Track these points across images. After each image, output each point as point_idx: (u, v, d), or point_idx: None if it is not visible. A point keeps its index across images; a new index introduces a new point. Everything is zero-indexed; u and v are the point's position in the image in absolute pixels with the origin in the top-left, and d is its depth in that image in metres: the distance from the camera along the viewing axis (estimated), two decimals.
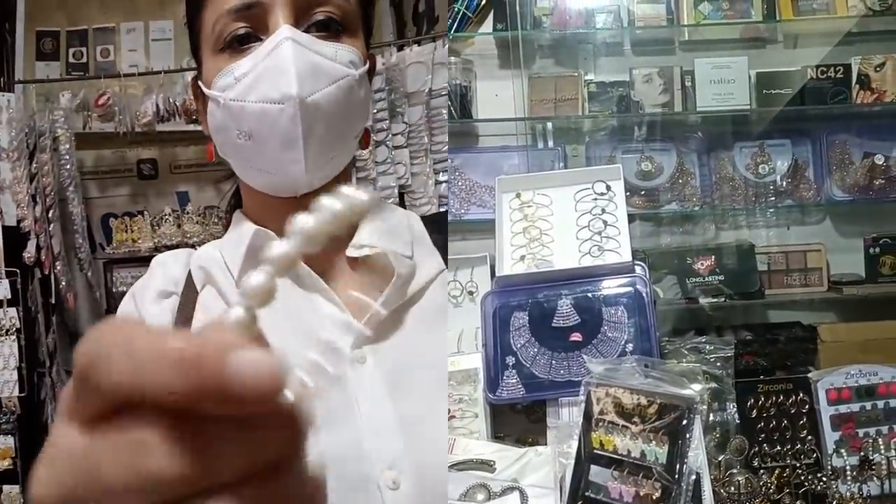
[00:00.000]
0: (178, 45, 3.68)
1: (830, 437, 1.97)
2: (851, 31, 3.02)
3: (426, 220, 1.40)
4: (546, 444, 1.87)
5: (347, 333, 1.21)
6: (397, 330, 1.24)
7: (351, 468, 1.12)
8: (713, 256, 2.94)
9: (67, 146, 3.49)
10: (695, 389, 1.57)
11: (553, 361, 1.99)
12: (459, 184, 3.04)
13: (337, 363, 1.18)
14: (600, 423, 1.61)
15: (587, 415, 1.64)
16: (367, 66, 1.27)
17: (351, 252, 1.27)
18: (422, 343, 1.24)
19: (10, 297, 3.41)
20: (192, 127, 3.46)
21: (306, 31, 1.19)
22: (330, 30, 1.22)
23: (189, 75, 3.34)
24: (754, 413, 1.99)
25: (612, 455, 1.59)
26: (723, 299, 2.92)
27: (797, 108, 3.02)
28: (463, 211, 2.99)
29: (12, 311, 3.41)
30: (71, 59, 3.78)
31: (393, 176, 3.06)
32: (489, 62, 3.09)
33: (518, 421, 2.06)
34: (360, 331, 1.20)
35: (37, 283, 3.50)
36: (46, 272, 3.45)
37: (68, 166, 3.49)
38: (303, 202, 1.23)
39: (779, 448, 1.96)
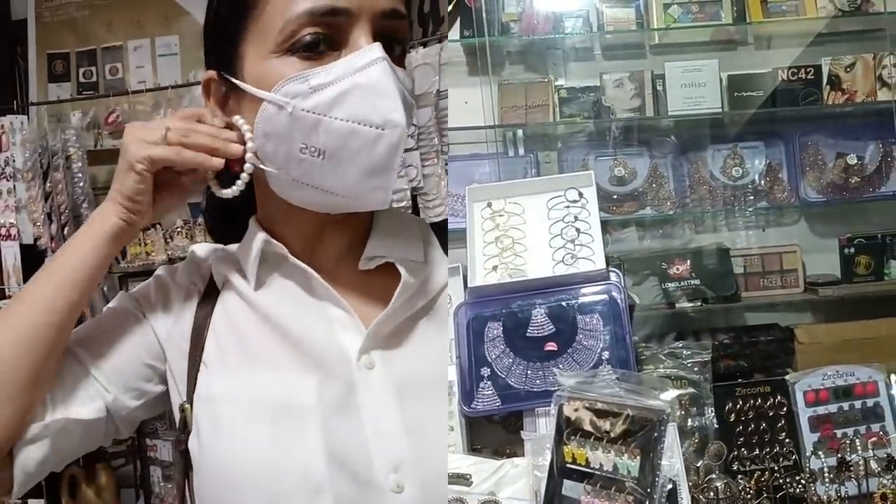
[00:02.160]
0: (184, 59, 3.69)
1: (809, 438, 1.96)
2: (821, 33, 3.03)
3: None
4: (524, 456, 1.85)
5: (356, 339, 1.20)
6: (408, 337, 1.24)
7: (356, 470, 1.13)
8: (688, 260, 2.94)
9: (80, 164, 3.50)
10: (665, 399, 1.56)
11: (529, 371, 1.97)
12: None
13: (346, 367, 1.19)
14: (572, 437, 1.59)
15: (559, 428, 1.62)
16: None
17: (363, 265, 1.26)
18: (429, 351, 1.24)
19: None
20: None
21: None
22: (394, 53, 1.17)
23: (199, 88, 3.38)
24: (732, 417, 1.98)
25: (584, 469, 1.57)
26: (699, 303, 2.92)
27: (769, 110, 3.02)
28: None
29: None
30: (81, 79, 3.77)
31: (405, 179, 3.00)
32: (458, 69, 3.06)
33: (495, 432, 2.04)
34: (369, 336, 1.20)
35: None
36: None
37: (81, 184, 3.50)
38: (334, 215, 1.21)
39: (757, 451, 1.95)
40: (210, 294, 1.32)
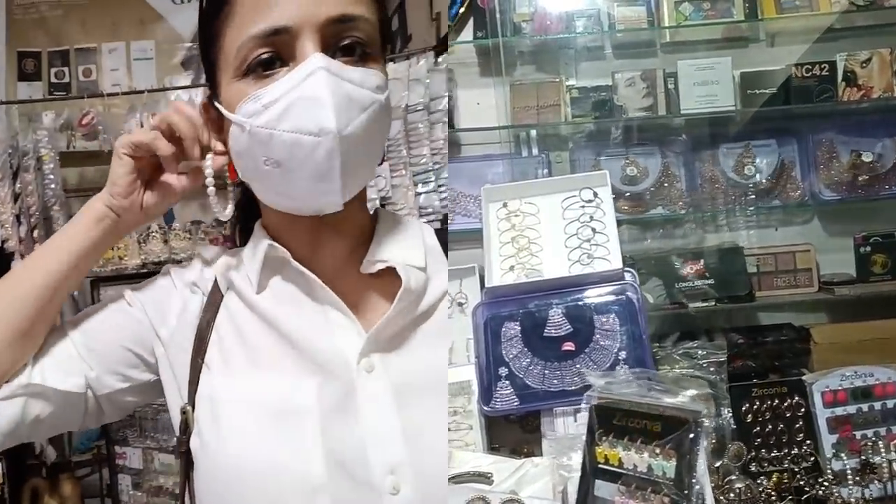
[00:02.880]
0: (159, 64, 3.67)
1: (828, 440, 1.95)
2: (835, 28, 3.00)
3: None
4: (542, 455, 1.85)
5: (357, 342, 1.22)
6: (408, 342, 1.26)
7: (354, 472, 1.15)
8: (701, 260, 2.92)
9: (52, 165, 3.43)
10: (689, 394, 1.55)
11: (546, 371, 1.96)
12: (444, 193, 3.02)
13: (345, 370, 1.21)
14: (604, 438, 1.58)
15: (590, 429, 1.61)
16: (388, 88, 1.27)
17: (365, 268, 1.29)
18: (429, 356, 1.26)
19: None
20: None
21: (333, 55, 1.17)
22: (355, 54, 1.20)
23: (174, 94, 3.38)
24: (749, 417, 1.97)
25: (617, 469, 1.56)
26: (712, 303, 2.90)
27: (782, 107, 2.99)
28: (448, 221, 2.97)
29: None
30: (53, 79, 3.78)
31: (374, 188, 3.05)
32: (470, 70, 3.08)
33: (513, 432, 2.04)
34: (369, 340, 1.22)
35: None
36: None
37: (53, 185, 3.44)
38: (324, 218, 1.23)
39: (776, 452, 1.94)
40: (214, 296, 1.35)
